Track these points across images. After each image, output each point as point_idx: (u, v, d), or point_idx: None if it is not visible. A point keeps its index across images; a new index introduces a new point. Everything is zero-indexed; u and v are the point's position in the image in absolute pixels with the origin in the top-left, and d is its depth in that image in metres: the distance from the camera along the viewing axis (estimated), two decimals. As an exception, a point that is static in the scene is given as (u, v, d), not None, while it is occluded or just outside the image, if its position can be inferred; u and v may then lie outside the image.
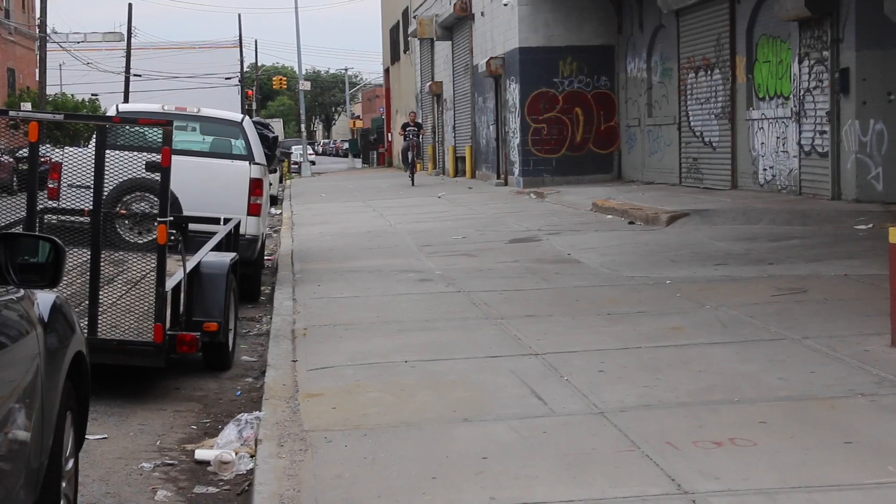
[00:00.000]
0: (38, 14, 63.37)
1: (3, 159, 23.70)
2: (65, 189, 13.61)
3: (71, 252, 10.22)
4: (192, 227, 14.03)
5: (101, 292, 10.15)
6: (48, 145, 15.31)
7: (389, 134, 77.79)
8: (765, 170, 27.16)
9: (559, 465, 7.14)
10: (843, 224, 19.98)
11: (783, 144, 26.14)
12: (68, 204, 12.85)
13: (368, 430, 8.12)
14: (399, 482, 6.95)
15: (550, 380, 9.44)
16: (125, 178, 11.60)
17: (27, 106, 53.23)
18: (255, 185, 15.82)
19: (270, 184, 23.16)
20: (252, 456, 8.10)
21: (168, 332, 10.04)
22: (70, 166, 11.67)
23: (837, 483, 6.61)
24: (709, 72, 30.51)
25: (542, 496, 6.60)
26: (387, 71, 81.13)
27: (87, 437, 7.05)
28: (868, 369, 9.31)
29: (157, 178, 10.15)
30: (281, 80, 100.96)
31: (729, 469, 6.91)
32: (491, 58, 40.07)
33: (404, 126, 46.93)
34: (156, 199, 11.48)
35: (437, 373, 9.91)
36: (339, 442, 7.85)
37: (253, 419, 8.80)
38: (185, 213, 14.41)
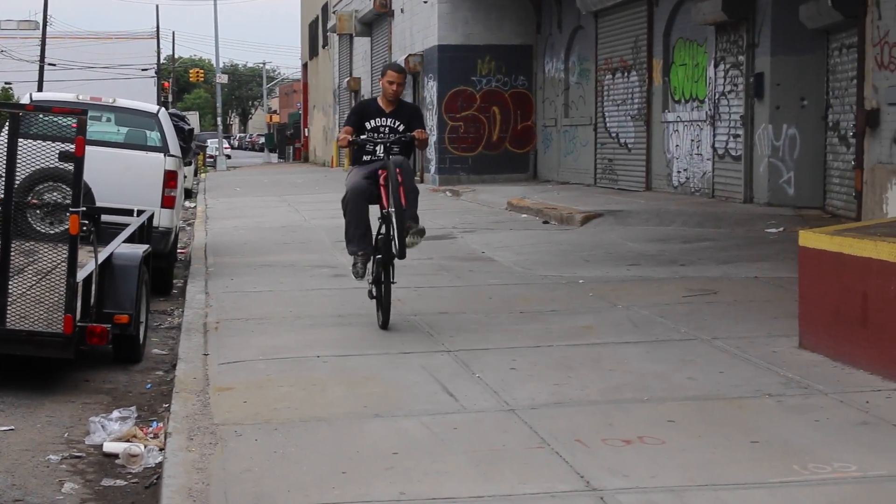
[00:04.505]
0: (-50, 0, 62.40)
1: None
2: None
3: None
4: (104, 218, 13.91)
5: (10, 282, 10.03)
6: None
7: (306, 129, 77.58)
8: (679, 172, 27.40)
9: (469, 461, 7.16)
10: (755, 227, 20.20)
11: (697, 147, 26.38)
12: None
13: (279, 424, 8.10)
14: (309, 476, 6.94)
15: (462, 377, 9.46)
16: (37, 168, 11.46)
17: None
18: (170, 178, 15.71)
19: (185, 176, 23.03)
20: (161, 449, 8.04)
21: (78, 324, 9.93)
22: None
23: (744, 482, 6.69)
24: (626, 73, 30.72)
25: (451, 492, 6.62)
26: (305, 66, 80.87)
27: (-7, 427, 6.97)
28: (776, 370, 9.44)
29: (71, 167, 10.05)
30: (198, 72, 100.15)
31: (637, 467, 6.97)
32: (410, 55, 40.04)
33: (360, 110, 12.25)
34: (68, 189, 11.35)
35: (349, 368, 9.90)
36: (249, 436, 7.82)
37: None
38: (98, 203, 14.29)
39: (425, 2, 37.89)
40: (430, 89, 37.89)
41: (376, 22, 49.40)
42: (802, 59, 22.66)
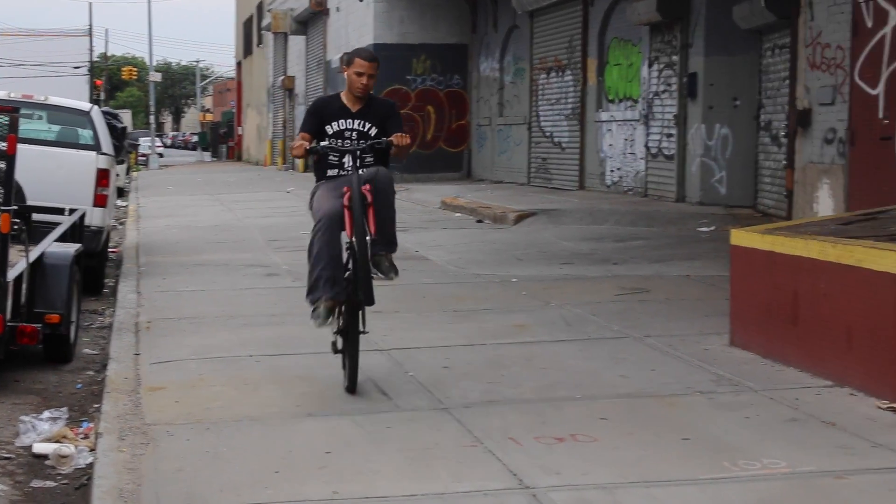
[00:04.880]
0: None
1: None
2: None
3: None
4: (36, 216, 13.78)
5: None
6: None
7: (240, 128, 77.28)
8: (612, 171, 27.53)
9: (402, 459, 7.16)
10: (687, 226, 20.34)
11: (631, 146, 26.52)
12: None
13: (211, 424, 8.06)
14: (241, 476, 6.91)
15: (395, 375, 9.46)
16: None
17: None
18: (102, 176, 15.60)
19: (118, 175, 22.87)
20: (92, 450, 7.98)
21: (8, 323, 9.84)
22: None
23: (675, 478, 6.73)
24: (560, 73, 30.83)
25: (384, 491, 6.62)
26: (239, 64, 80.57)
27: (-80, 428, 6.89)
28: (707, 368, 9.51)
29: (2, 165, 9.95)
30: (131, 70, 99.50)
31: (569, 464, 6.99)
32: (345, 53, 39.97)
33: (318, 110, 9.35)
34: (-1, 187, 11.25)
35: (282, 367, 9.88)
36: (181, 436, 7.78)
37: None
38: (30, 202, 14.16)
39: (361, 0, 37.83)
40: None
41: (312, 20, 49.28)
42: (735, 60, 22.83)
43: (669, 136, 24.51)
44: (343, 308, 8.87)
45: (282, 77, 56.37)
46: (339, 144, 9.10)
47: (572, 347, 10.50)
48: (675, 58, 24.31)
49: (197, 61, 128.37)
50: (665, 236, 19.25)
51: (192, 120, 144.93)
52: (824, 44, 16.98)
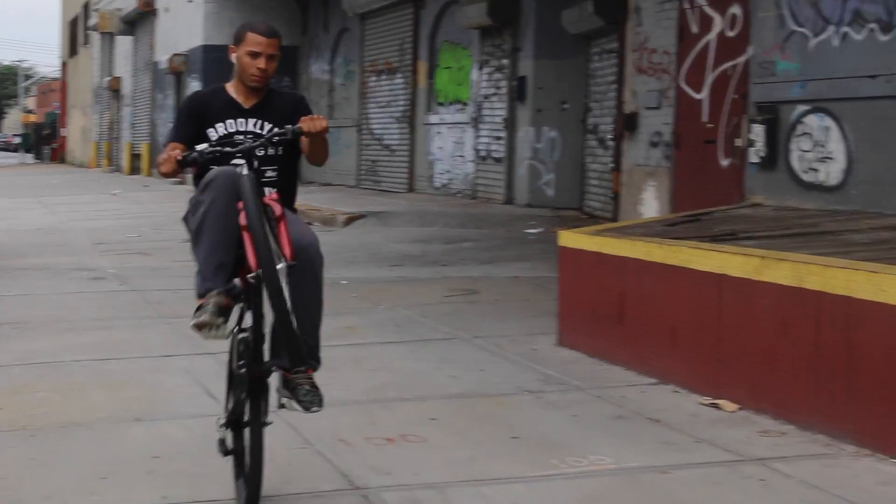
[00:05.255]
0: None
1: None
2: None
3: None
4: None
5: None
6: None
7: (64, 129, 75.91)
8: (441, 174, 27.68)
9: (232, 463, 7.09)
10: (515, 228, 20.54)
11: (460, 149, 26.70)
12: None
13: (36, 430, 7.90)
14: (68, 483, 6.78)
15: (224, 379, 9.35)
16: None
17: None
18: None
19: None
20: (-90, 458, 7.77)
21: None
22: None
23: (504, 476, 6.79)
24: (391, 76, 30.90)
25: (214, 494, 6.56)
26: (64, 64, 79.08)
27: None
28: (535, 368, 9.62)
29: None
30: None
31: (400, 464, 7.01)
32: (174, 55, 39.56)
33: (195, 108, 6.56)
34: None
35: (109, 372, 9.73)
36: (4, 443, 7.61)
37: None
38: None
39: (190, 1, 37.44)
40: (194, 90, 37.48)
41: (140, 21, 48.61)
42: (564, 64, 23.14)
43: (498, 138, 24.73)
44: (235, 384, 6.28)
45: (108, 78, 55.51)
46: (226, 150, 6.26)
47: (402, 349, 10.53)
48: (504, 61, 24.54)
49: (20, 61, 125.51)
50: (494, 238, 19.42)
51: (14, 121, 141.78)
52: (651, 49, 17.29)
